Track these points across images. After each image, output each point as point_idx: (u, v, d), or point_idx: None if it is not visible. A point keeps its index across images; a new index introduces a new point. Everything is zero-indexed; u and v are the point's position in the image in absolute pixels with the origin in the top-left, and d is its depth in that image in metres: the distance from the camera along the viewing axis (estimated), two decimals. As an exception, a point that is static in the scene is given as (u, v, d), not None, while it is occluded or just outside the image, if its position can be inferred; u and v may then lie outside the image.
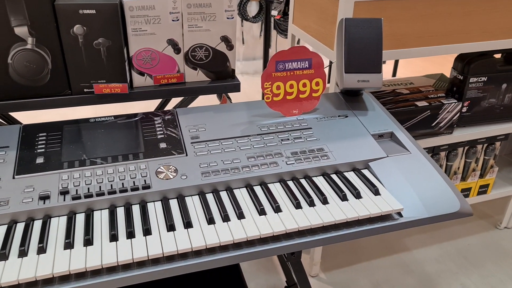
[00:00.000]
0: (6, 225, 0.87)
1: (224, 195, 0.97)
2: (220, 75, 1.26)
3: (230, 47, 1.23)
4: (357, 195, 0.97)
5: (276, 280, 1.84)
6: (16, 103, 1.12)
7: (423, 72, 4.07)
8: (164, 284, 1.21)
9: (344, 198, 0.97)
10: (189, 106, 1.36)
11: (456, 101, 1.65)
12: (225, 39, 1.21)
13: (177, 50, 1.19)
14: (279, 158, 1.04)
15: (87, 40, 1.09)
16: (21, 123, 1.27)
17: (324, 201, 0.95)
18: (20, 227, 0.86)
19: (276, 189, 1.00)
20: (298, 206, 0.94)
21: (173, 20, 1.15)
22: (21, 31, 1.04)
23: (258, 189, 0.99)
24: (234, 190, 0.99)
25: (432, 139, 1.68)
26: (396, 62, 3.33)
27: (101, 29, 1.08)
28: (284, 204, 0.95)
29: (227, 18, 1.18)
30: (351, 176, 1.05)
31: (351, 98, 1.27)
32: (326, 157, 1.06)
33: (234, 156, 1.04)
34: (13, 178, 0.94)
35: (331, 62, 1.56)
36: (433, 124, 1.65)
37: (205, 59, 1.22)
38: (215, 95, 1.46)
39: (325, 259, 1.97)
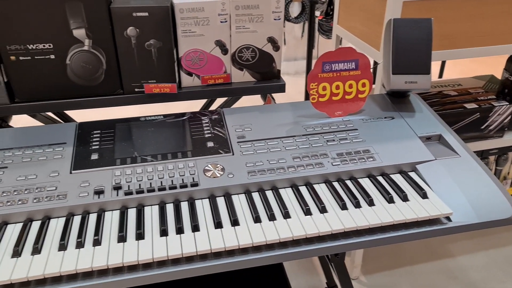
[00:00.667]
0: (65, 218, 0.91)
1: (270, 194, 0.98)
2: (265, 75, 1.28)
3: (276, 48, 1.24)
4: (404, 198, 0.96)
5: (317, 281, 1.84)
6: (72, 101, 1.17)
7: (471, 73, 3.94)
8: (209, 280, 1.23)
9: (390, 200, 0.96)
10: (233, 106, 1.38)
11: (507, 103, 1.59)
12: (272, 40, 1.22)
13: (224, 51, 1.21)
14: (325, 159, 1.04)
15: (139, 41, 1.13)
16: (75, 121, 1.33)
17: (370, 203, 0.95)
18: (77, 220, 0.91)
19: (322, 189, 1.00)
20: (344, 207, 0.94)
21: (221, 22, 1.17)
22: (79, 33, 1.09)
23: (303, 189, 1.00)
24: (279, 189, 1.00)
25: (481, 143, 1.63)
26: (443, 63, 3.24)
27: (152, 31, 1.12)
28: (330, 205, 0.95)
29: (274, 19, 1.20)
30: (397, 178, 1.04)
31: (397, 100, 1.26)
32: (372, 159, 1.05)
33: (280, 156, 1.05)
34: (70, 173, 0.98)
35: (376, 63, 1.54)
36: (482, 127, 1.60)
37: (252, 60, 1.24)
38: (259, 95, 1.48)
39: (366, 262, 1.95)
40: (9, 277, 0.77)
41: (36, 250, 0.83)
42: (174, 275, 0.83)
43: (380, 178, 1.04)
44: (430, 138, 1.13)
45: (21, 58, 1.10)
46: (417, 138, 1.11)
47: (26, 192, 0.93)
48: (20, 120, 1.34)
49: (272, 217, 0.91)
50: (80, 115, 3.02)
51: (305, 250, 0.88)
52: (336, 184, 1.01)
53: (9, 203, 0.91)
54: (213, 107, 1.57)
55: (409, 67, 1.16)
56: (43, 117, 1.44)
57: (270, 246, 0.88)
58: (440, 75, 3.34)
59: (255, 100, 1.37)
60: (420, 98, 1.27)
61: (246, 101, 1.33)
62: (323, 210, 0.93)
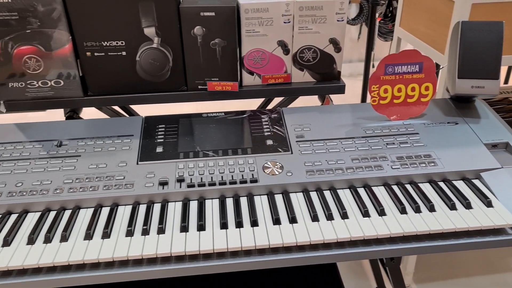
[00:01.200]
0: (131, 206, 0.96)
1: (327, 194, 0.99)
2: (325, 76, 1.28)
3: (338, 49, 1.24)
4: (467, 206, 0.94)
5: (367, 286, 1.82)
6: (140, 96, 1.23)
7: (538, 79, 3.72)
8: (266, 275, 1.25)
9: (452, 207, 0.94)
10: (290, 105, 1.39)
11: None
12: (334, 41, 1.23)
13: (286, 51, 1.23)
14: (384, 162, 1.04)
15: (205, 40, 1.17)
16: (138, 115, 1.39)
17: (431, 208, 0.93)
18: (142, 208, 0.96)
19: (380, 192, 0.99)
20: (403, 211, 0.93)
21: (284, 22, 1.19)
22: (149, 31, 1.14)
23: (362, 191, 1.00)
24: (337, 190, 1.00)
25: (549, 153, 1.55)
26: (509, 69, 3.08)
27: (218, 30, 1.16)
28: (389, 208, 0.94)
29: (337, 20, 1.20)
30: (460, 185, 1.01)
31: (462, 105, 1.22)
32: (433, 164, 1.03)
33: (338, 157, 1.05)
34: (137, 164, 1.04)
35: (439, 66, 1.50)
36: (552, 137, 1.51)
37: (313, 61, 1.25)
38: (316, 96, 1.48)
39: (419, 270, 1.90)
40: (82, 258, 0.83)
41: (106, 234, 0.88)
42: (234, 267, 0.85)
43: (441, 184, 1.01)
44: (496, 145, 1.10)
45: (96, 54, 1.17)
46: (482, 145, 1.08)
47: (97, 179, 1.00)
48: (86, 112, 1.42)
49: (330, 217, 0.92)
50: (138, 110, 3.14)
51: (362, 252, 0.88)
52: (395, 188, 1.00)
53: (81, 189, 0.97)
54: (267, 105, 1.59)
55: (476, 72, 1.13)
56: (108, 110, 1.51)
57: (326, 245, 0.88)
58: (506, 81, 3.18)
59: (310, 100, 1.37)
60: (486, 104, 1.22)
61: (302, 101, 1.34)
62: (381, 213, 0.92)
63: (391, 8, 3.16)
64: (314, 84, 1.28)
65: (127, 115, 1.57)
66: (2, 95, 1.19)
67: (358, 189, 1.00)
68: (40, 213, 0.95)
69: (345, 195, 0.99)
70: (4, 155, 1.05)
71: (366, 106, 1.22)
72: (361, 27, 3.85)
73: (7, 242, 0.86)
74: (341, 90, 1.29)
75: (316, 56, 1.24)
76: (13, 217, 0.94)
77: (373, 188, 1.00)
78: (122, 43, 1.16)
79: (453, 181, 1.02)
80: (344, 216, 0.92)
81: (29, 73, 1.17)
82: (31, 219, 0.94)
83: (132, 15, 1.12)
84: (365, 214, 0.92)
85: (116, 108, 1.54)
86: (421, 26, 1.54)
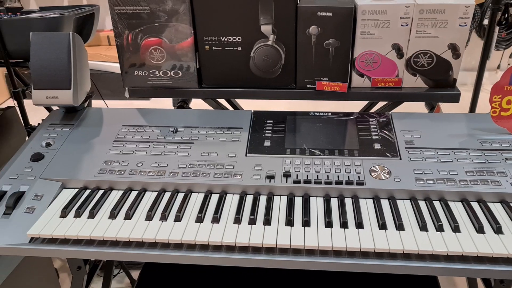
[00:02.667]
0: (239, 195, 1.01)
1: (437, 204, 0.95)
2: (439, 83, 1.23)
3: (457, 55, 1.18)
4: None
5: (459, 306, 1.72)
6: (250, 91, 1.28)
7: None
8: (363, 278, 1.24)
9: None
10: (395, 110, 1.35)
11: None
12: (453, 47, 1.17)
13: (400, 55, 1.20)
14: (502, 178, 0.97)
15: (319, 40, 1.18)
16: (242, 109, 1.44)
17: (556, 232, 0.86)
18: (249, 199, 1.00)
19: (497, 209, 0.94)
20: (523, 232, 0.86)
21: (402, 25, 1.16)
22: (266, 29, 1.18)
23: (475, 206, 0.95)
24: (448, 202, 0.96)
25: None
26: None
27: (333, 31, 1.16)
28: (506, 226, 0.88)
29: (460, 25, 1.14)
30: None
31: None
32: (560, 185, 0.95)
33: (451, 168, 1.01)
34: (246, 155, 1.08)
35: None
36: None
37: (427, 66, 1.21)
38: (422, 102, 1.43)
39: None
40: (193, 238, 0.88)
41: (216, 219, 0.93)
42: (336, 266, 0.86)
43: None
44: None
45: (213, 48, 1.23)
46: None
47: (208, 167, 1.05)
48: (192, 103, 1.50)
49: (440, 228, 0.88)
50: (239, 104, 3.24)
51: (474, 269, 0.83)
52: (514, 206, 0.94)
53: (194, 174, 1.03)
54: (370, 108, 1.56)
55: None
56: (213, 102, 1.58)
57: (434, 257, 0.85)
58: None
59: (414, 106, 1.33)
60: None
61: (406, 106, 1.30)
62: (498, 231, 0.87)
63: (506, 15, 2.93)
64: (426, 91, 1.24)
65: (231, 108, 1.63)
66: (127, 81, 1.30)
67: (471, 203, 0.95)
68: (156, 192, 1.02)
69: (457, 208, 0.94)
70: (127, 137, 1.15)
71: (484, 117, 1.15)
72: (470, 33, 3.62)
73: (128, 216, 0.95)
74: (455, 98, 1.23)
75: (431, 62, 1.20)
76: (134, 194, 1.02)
77: (488, 204, 0.95)
78: (239, 39, 1.21)
79: None
80: (456, 229, 0.88)
81: (152, 63, 1.26)
82: (149, 197, 1.01)
83: (251, 13, 1.17)
84: (479, 230, 0.87)
85: (220, 100, 1.61)
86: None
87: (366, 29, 1.17)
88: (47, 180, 1.04)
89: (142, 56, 1.25)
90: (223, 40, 1.21)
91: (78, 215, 0.95)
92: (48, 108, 1.79)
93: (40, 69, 1.14)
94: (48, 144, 1.13)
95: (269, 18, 1.17)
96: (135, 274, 1.94)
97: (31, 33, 1.14)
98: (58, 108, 1.27)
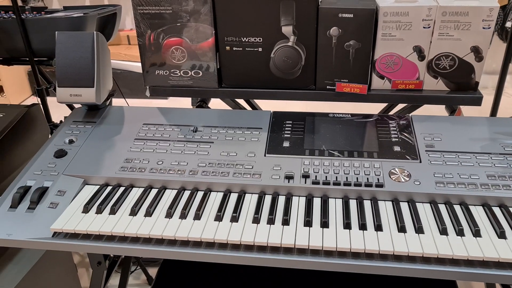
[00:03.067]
0: (258, 195, 1.01)
1: (458, 208, 0.95)
2: (461, 86, 1.22)
3: (480, 58, 1.17)
4: None
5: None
6: (269, 91, 1.28)
7: None
8: (380, 281, 1.23)
9: None
10: (415, 112, 1.34)
11: None
12: (476, 50, 1.16)
13: (421, 57, 1.19)
14: (525, 183, 0.96)
15: (339, 41, 1.18)
16: (260, 109, 1.45)
17: None
18: (268, 198, 1.00)
19: (519, 214, 0.92)
20: (546, 238, 0.85)
21: (424, 27, 1.15)
22: (286, 30, 1.19)
23: (497, 211, 0.93)
24: (469, 206, 0.95)
25: None
26: None
27: (354, 32, 1.16)
28: (528, 232, 0.87)
29: (483, 28, 1.13)
30: None
31: None
32: None
33: (472, 172, 1.00)
34: (265, 156, 1.08)
35: None
36: None
37: (449, 69, 1.20)
38: (442, 105, 1.41)
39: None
40: (212, 237, 0.89)
41: (234, 218, 0.94)
42: (354, 268, 0.86)
43: None
44: None
45: (234, 48, 1.24)
46: None
47: (227, 166, 1.06)
48: (210, 102, 1.53)
49: (460, 233, 0.88)
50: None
51: (495, 274, 0.82)
52: (536, 212, 0.93)
53: (213, 173, 1.04)
54: (389, 111, 1.55)
55: None
56: (231, 102, 1.59)
57: (454, 261, 0.85)
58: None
59: (433, 108, 1.31)
60: None
61: (425, 109, 1.29)
62: (520, 236, 0.86)
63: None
64: (448, 93, 1.22)
65: (249, 108, 1.64)
66: (149, 80, 1.31)
67: (493, 207, 0.94)
68: (176, 191, 1.04)
69: (478, 212, 0.93)
70: (148, 135, 1.17)
71: (506, 121, 1.14)
72: (492, 36, 3.56)
73: (149, 213, 0.96)
74: (477, 102, 1.21)
75: (453, 64, 1.19)
76: (154, 191, 1.04)
77: (510, 208, 0.94)
78: (259, 39, 1.21)
79: None
80: (477, 234, 0.87)
81: (173, 63, 1.28)
82: (169, 195, 1.03)
83: (272, 14, 1.17)
84: (501, 235, 0.86)
85: (239, 100, 1.62)
86: None
87: (388, 31, 1.17)
88: (70, 176, 1.06)
89: (163, 56, 1.27)
90: (243, 40, 1.22)
91: (99, 211, 0.97)
92: (70, 106, 1.82)
93: (65, 67, 1.16)
94: (71, 141, 1.15)
95: (290, 19, 1.17)
96: (152, 271, 1.96)
97: (56, 32, 1.17)
98: (80, 106, 1.29)
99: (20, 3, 2.10)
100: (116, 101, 1.27)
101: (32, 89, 3.96)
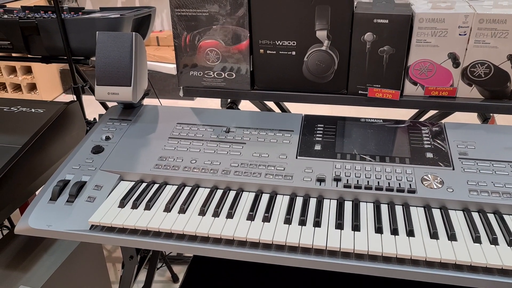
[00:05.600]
0: (289, 196, 1.02)
1: (491, 217, 0.94)
2: (496, 94, 1.21)
3: (516, 66, 1.16)
4: None
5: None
6: (301, 95, 1.29)
7: None
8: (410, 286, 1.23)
9: None
10: (446, 119, 1.34)
11: None
12: (512, 58, 1.15)
13: (456, 64, 1.19)
14: (562, 194, 0.95)
15: (373, 46, 1.19)
16: (289, 111, 1.46)
17: None
18: (299, 200, 1.01)
19: (555, 225, 0.91)
20: None
21: (460, 34, 1.15)
22: (321, 34, 1.20)
23: (532, 221, 0.93)
24: (503, 215, 0.94)
25: None
26: None
27: (389, 38, 1.16)
28: None
29: (521, 36, 1.12)
30: None
31: None
32: None
33: (507, 181, 0.99)
34: (296, 158, 1.10)
35: None
36: None
37: (484, 77, 1.19)
38: (475, 113, 1.40)
39: None
40: (245, 235, 0.91)
41: (266, 218, 0.95)
42: (386, 272, 0.86)
43: None
44: None
45: (268, 52, 1.26)
46: None
47: (259, 167, 1.08)
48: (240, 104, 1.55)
49: (494, 241, 0.87)
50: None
51: (528, 284, 0.82)
52: None
53: (245, 174, 1.06)
54: (420, 117, 1.54)
55: None
56: (260, 104, 1.61)
57: (487, 270, 0.84)
58: None
59: (465, 116, 1.30)
60: None
61: (457, 116, 1.28)
62: (556, 247, 0.85)
63: None
64: (482, 101, 1.21)
65: (279, 110, 1.65)
66: (183, 81, 1.34)
67: (528, 217, 0.93)
68: (209, 189, 1.06)
69: (512, 222, 0.93)
70: (182, 134, 1.19)
71: (542, 131, 1.12)
72: None
73: (183, 210, 0.98)
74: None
75: (489, 72, 1.18)
76: (187, 189, 1.06)
77: (545, 219, 0.93)
78: (293, 43, 1.23)
79: None
80: (511, 243, 0.86)
81: (208, 64, 1.30)
82: (202, 193, 1.05)
83: (307, 18, 1.19)
84: (536, 245, 0.85)
85: (269, 103, 1.64)
86: None
87: (423, 37, 1.17)
88: (107, 171, 1.10)
89: (198, 57, 1.30)
90: (277, 44, 1.24)
91: (135, 206, 1.00)
92: (104, 104, 1.87)
93: (104, 66, 1.20)
94: (107, 138, 1.19)
95: (325, 23, 1.18)
96: (176, 268, 1.99)
97: (97, 32, 1.21)
98: (116, 104, 1.33)
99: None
100: (147, 101, 1.30)
101: (64, 87, 4.07)
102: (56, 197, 1.03)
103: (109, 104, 1.78)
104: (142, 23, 1.81)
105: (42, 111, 1.28)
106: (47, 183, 1.07)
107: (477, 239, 0.88)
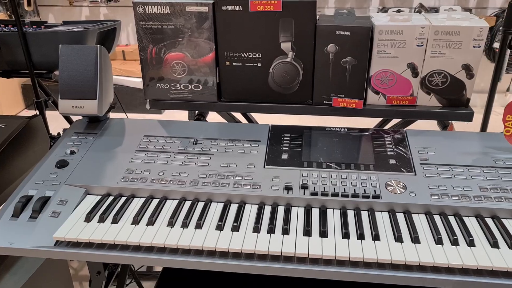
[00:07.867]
0: (257, 205, 1.03)
1: (452, 219, 0.98)
2: (453, 102, 1.26)
3: (470, 75, 1.22)
4: None
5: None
6: (267, 106, 1.31)
7: None
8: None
9: None
10: (407, 128, 1.38)
11: None
12: (467, 68, 1.21)
13: (415, 74, 1.24)
14: (516, 195, 1.00)
15: (336, 58, 1.22)
16: (256, 122, 1.47)
17: None
18: (267, 209, 1.02)
19: (511, 225, 0.95)
20: (537, 247, 0.88)
21: (417, 46, 1.20)
22: (285, 46, 1.22)
23: (490, 222, 0.97)
24: (463, 217, 0.98)
25: None
26: None
27: (351, 49, 1.20)
28: (520, 242, 0.90)
29: (474, 47, 1.18)
30: None
31: None
32: None
33: (465, 184, 1.03)
34: (264, 167, 1.11)
35: None
36: None
37: (441, 85, 1.24)
38: (436, 122, 1.46)
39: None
40: (214, 245, 0.91)
41: (235, 228, 0.96)
42: (353, 276, 0.88)
43: None
44: None
45: (234, 63, 1.27)
46: None
47: (227, 177, 1.08)
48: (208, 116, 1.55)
49: (455, 242, 0.90)
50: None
51: (491, 283, 0.85)
52: (527, 223, 0.96)
53: (214, 184, 1.06)
54: (384, 125, 1.59)
55: None
56: (227, 115, 1.62)
57: (450, 270, 0.87)
58: None
59: (426, 123, 1.36)
60: None
61: (418, 124, 1.33)
62: (512, 246, 0.89)
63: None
64: (440, 109, 1.27)
65: (246, 121, 1.66)
66: (149, 94, 1.34)
67: (486, 219, 0.97)
68: (177, 201, 1.05)
69: (471, 223, 0.97)
70: (149, 146, 1.19)
71: (497, 136, 1.18)
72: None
73: (151, 222, 0.98)
74: (469, 117, 1.26)
75: (446, 81, 1.23)
76: (155, 201, 1.06)
77: (502, 220, 0.97)
78: (259, 55, 1.25)
79: None
80: (471, 243, 0.90)
81: (174, 77, 1.30)
82: (170, 205, 1.04)
83: (271, 30, 1.21)
84: (494, 245, 0.89)
85: (236, 114, 1.65)
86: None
87: (383, 48, 1.21)
88: (72, 186, 1.08)
89: (164, 70, 1.30)
90: (243, 56, 1.26)
91: (102, 220, 0.98)
92: (68, 118, 1.84)
93: (68, 79, 1.19)
94: (72, 152, 1.17)
95: (289, 35, 1.21)
96: (146, 284, 1.95)
97: (60, 45, 1.19)
98: (81, 117, 1.31)
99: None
100: (113, 116, 1.29)
101: (26, 103, 3.96)
102: (18, 214, 1.00)
103: (74, 119, 1.75)
104: (107, 36, 1.80)
105: (3, 126, 1.25)
106: (9, 199, 1.04)
107: (439, 241, 0.91)
